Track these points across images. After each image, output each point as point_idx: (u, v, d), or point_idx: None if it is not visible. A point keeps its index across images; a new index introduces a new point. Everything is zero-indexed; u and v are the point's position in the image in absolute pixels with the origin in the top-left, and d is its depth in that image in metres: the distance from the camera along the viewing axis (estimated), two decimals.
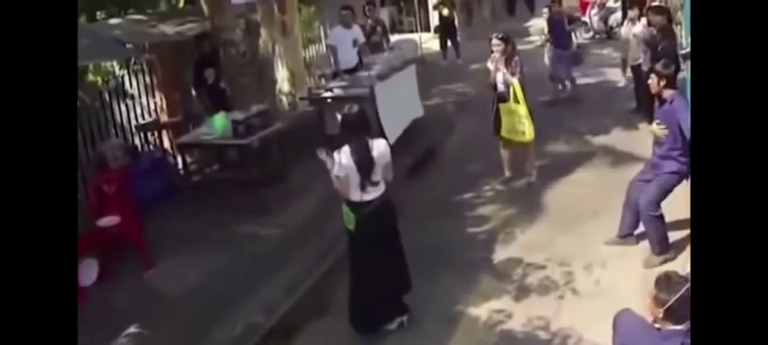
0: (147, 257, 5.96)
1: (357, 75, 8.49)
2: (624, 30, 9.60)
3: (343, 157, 4.39)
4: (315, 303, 5.30)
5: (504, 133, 7.02)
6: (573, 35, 10.35)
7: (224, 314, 5.13)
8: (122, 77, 9.33)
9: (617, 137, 8.19)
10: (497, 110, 6.99)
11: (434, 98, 10.75)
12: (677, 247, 5.27)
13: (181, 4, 10.89)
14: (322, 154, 4.51)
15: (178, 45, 8.54)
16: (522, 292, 5.17)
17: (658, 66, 5.14)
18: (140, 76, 9.12)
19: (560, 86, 9.97)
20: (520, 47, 7.69)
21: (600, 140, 8.20)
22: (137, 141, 8.81)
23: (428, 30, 15.82)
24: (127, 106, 8.86)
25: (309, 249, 6.01)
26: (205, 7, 8.13)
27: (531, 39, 13.59)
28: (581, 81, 10.44)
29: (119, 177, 6.32)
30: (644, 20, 8.48)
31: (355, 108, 4.62)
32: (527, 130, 6.77)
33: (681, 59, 6.67)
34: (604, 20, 14.19)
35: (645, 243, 5.37)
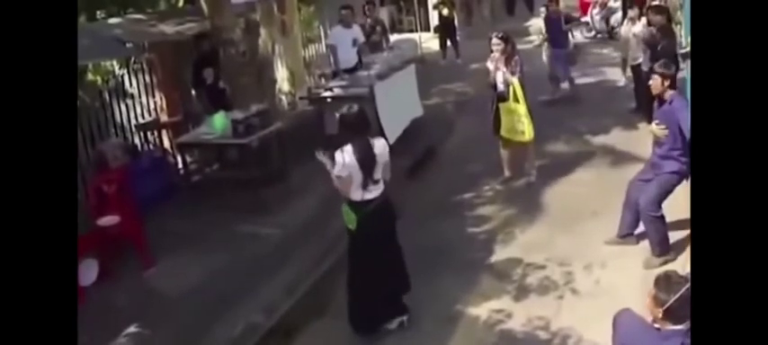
0: (147, 257, 5.96)
1: (357, 75, 8.49)
2: (624, 30, 9.60)
3: (346, 156, 4.38)
4: (315, 303, 5.30)
5: (503, 133, 7.02)
6: (570, 34, 10.33)
7: (224, 313, 5.13)
8: (122, 77, 9.32)
9: (617, 137, 8.19)
10: (497, 109, 6.99)
11: (434, 97, 10.75)
12: (677, 248, 5.27)
13: (180, 4, 10.88)
14: (320, 156, 4.51)
15: (178, 44, 8.53)
16: (522, 292, 5.18)
17: (658, 67, 5.13)
18: (140, 76, 9.12)
19: (558, 86, 9.97)
20: (519, 46, 7.69)
21: (600, 140, 8.20)
22: (136, 141, 8.80)
23: (428, 29, 15.81)
24: (127, 105, 8.85)
25: (309, 249, 6.01)
26: (205, 7, 8.12)
27: (531, 38, 13.58)
28: (581, 80, 10.44)
29: (119, 177, 6.32)
30: (644, 19, 8.48)
31: (355, 107, 4.62)
32: (527, 130, 6.77)
33: (680, 59, 6.68)
34: (606, 19, 14.19)
35: (645, 243, 5.37)
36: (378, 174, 4.53)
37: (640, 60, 8.40)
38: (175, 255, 6.07)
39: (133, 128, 8.81)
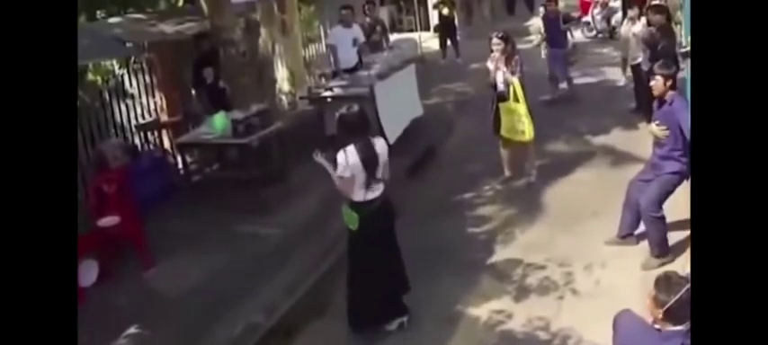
0: (147, 257, 5.95)
1: (357, 75, 8.49)
2: (624, 30, 9.60)
3: (350, 157, 4.37)
4: (315, 303, 5.30)
5: (503, 132, 7.02)
6: (569, 34, 10.33)
7: (224, 313, 5.13)
8: (122, 76, 9.32)
9: (617, 137, 8.19)
10: (497, 109, 6.99)
11: (434, 97, 10.75)
12: (676, 249, 5.27)
13: (180, 3, 10.89)
14: (318, 158, 4.50)
15: (178, 44, 8.54)
16: (522, 292, 5.17)
17: (659, 68, 5.12)
18: (140, 76, 9.12)
19: (557, 86, 9.96)
20: (519, 46, 7.69)
21: (600, 140, 8.20)
22: (137, 141, 8.80)
23: (428, 29, 15.82)
24: (127, 105, 8.85)
25: (309, 249, 6.01)
26: (205, 6, 8.12)
27: (531, 38, 13.58)
28: (581, 80, 10.45)
29: (119, 177, 6.31)
30: (644, 19, 8.48)
31: (355, 107, 4.61)
32: (527, 130, 6.77)
33: (680, 58, 6.67)
34: (607, 19, 14.19)
35: (645, 244, 5.36)
36: (380, 173, 4.54)
37: (640, 60, 8.41)
38: (175, 255, 6.07)
39: (133, 128, 8.80)
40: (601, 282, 5.15)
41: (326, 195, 6.41)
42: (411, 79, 9.06)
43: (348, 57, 8.89)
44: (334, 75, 8.88)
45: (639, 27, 8.59)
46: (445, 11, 13.30)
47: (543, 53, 10.20)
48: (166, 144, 8.77)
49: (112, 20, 8.81)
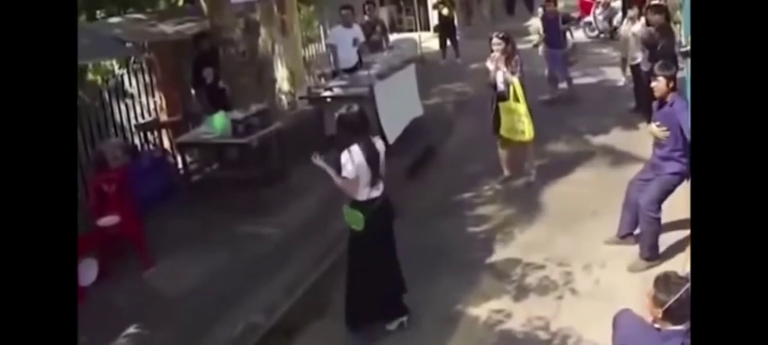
0: (147, 257, 5.95)
1: (357, 75, 8.49)
2: (623, 30, 9.60)
3: (356, 157, 4.37)
4: (315, 303, 5.30)
5: (503, 132, 7.02)
6: (569, 34, 10.32)
7: (224, 313, 5.13)
8: (122, 76, 9.33)
9: (617, 137, 8.19)
10: (497, 109, 6.99)
11: (434, 97, 10.76)
12: (671, 250, 5.28)
13: (180, 3, 10.88)
14: (317, 161, 4.51)
15: (178, 44, 8.54)
16: (522, 292, 5.17)
17: (659, 69, 5.11)
18: (140, 75, 9.12)
19: (556, 86, 9.96)
20: (519, 46, 7.69)
21: (599, 140, 8.20)
22: (136, 141, 8.80)
23: (427, 29, 15.82)
24: (126, 105, 8.85)
25: (309, 249, 6.01)
26: (204, 6, 8.12)
27: (531, 38, 13.59)
28: (581, 80, 10.45)
29: (119, 177, 6.31)
30: (643, 19, 8.48)
31: (355, 107, 4.61)
32: (527, 129, 6.77)
33: (680, 58, 6.68)
34: (609, 20, 14.19)
35: None
36: (382, 171, 4.56)
37: (639, 60, 8.42)
38: (175, 255, 6.07)
39: (133, 128, 8.81)
40: (600, 282, 5.15)
41: (326, 195, 6.42)
42: (411, 79, 9.06)
43: (348, 57, 8.89)
44: (334, 75, 8.88)
45: (639, 27, 8.59)
46: (445, 11, 13.30)
47: (541, 50, 10.19)
48: (166, 144, 8.78)
49: (112, 20, 8.80)
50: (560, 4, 10.86)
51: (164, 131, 8.88)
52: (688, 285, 2.62)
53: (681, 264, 4.78)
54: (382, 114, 7.85)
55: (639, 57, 8.43)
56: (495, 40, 6.84)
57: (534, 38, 12.75)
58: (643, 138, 6.52)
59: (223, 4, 7.91)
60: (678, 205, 5.25)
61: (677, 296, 2.69)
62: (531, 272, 5.40)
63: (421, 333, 4.78)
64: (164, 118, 8.88)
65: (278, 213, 6.71)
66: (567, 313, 4.82)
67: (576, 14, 13.66)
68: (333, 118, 4.76)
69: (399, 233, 4.88)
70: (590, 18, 14.40)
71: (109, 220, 5.85)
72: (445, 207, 6.88)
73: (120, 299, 5.54)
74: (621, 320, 3.12)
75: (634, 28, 8.76)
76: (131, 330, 5.05)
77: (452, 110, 10.25)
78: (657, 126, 5.15)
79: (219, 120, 6.98)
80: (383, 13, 14.82)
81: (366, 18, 10.45)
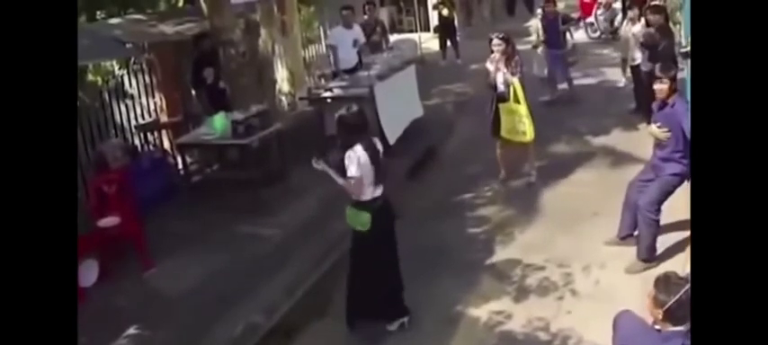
0: (147, 257, 5.95)
1: (357, 75, 8.49)
2: (623, 30, 9.60)
3: (361, 156, 4.39)
4: (315, 303, 5.30)
5: (503, 133, 7.01)
6: (569, 35, 10.31)
7: (224, 314, 5.13)
8: (122, 77, 9.33)
9: (617, 138, 8.19)
10: (496, 110, 6.99)
11: (434, 98, 10.75)
12: (670, 251, 5.28)
13: (180, 4, 10.88)
14: (318, 165, 4.51)
15: (178, 45, 8.54)
16: (522, 293, 5.17)
17: (661, 71, 5.10)
18: (140, 76, 9.12)
19: (555, 87, 9.96)
20: (519, 47, 7.69)
21: (600, 141, 8.20)
22: (137, 141, 8.80)
23: (428, 29, 15.82)
24: (127, 106, 8.85)
25: (309, 249, 6.01)
26: (204, 7, 8.13)
27: (531, 39, 13.58)
28: (581, 81, 10.45)
29: (119, 177, 6.31)
30: (643, 20, 8.48)
31: (354, 107, 4.62)
32: (528, 130, 6.77)
33: (680, 58, 6.67)
34: (610, 20, 14.19)
35: None
36: (384, 170, 4.58)
37: (639, 61, 8.42)
38: (175, 255, 6.07)
39: (133, 129, 8.80)
40: (600, 283, 5.15)
41: (326, 195, 6.43)
42: (411, 80, 9.06)
43: (348, 57, 8.90)
44: (334, 75, 8.88)
45: (639, 28, 8.60)
46: (445, 12, 13.29)
47: (540, 51, 10.17)
48: (166, 144, 8.78)
49: (112, 20, 8.80)
50: (560, 5, 10.86)
51: (164, 132, 8.88)
52: (688, 286, 2.62)
53: (680, 265, 4.78)
54: (382, 115, 7.85)
55: (639, 57, 8.43)
56: (495, 41, 6.84)
57: (534, 38, 12.77)
58: (643, 139, 6.52)
59: (223, 4, 7.91)
60: (678, 206, 5.25)
61: (677, 296, 2.69)
62: (532, 273, 5.40)
63: (421, 334, 4.77)
64: (164, 118, 8.88)
65: (278, 213, 6.71)
66: (567, 314, 4.82)
67: (575, 15, 13.65)
68: (333, 118, 4.76)
69: (399, 233, 4.88)
70: (592, 19, 14.40)
71: (109, 221, 5.85)
72: (445, 207, 6.88)
73: (121, 300, 5.54)
74: (622, 321, 3.12)
75: (634, 29, 8.76)
76: (131, 330, 5.05)
77: (452, 110, 10.24)
78: (658, 127, 5.14)
79: (220, 121, 6.98)
80: (383, 14, 14.82)
81: (365, 17, 10.44)
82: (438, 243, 6.05)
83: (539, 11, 11.03)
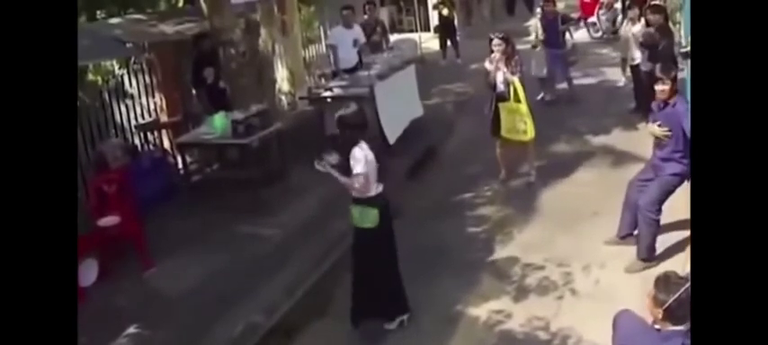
0: (147, 257, 5.95)
1: (357, 75, 8.50)
2: (623, 30, 9.60)
3: (368, 154, 4.42)
4: (315, 303, 5.30)
5: (504, 133, 7.02)
6: (569, 35, 10.31)
7: (224, 313, 5.13)
8: (122, 77, 9.32)
9: (617, 137, 8.20)
10: (496, 109, 6.99)
11: (434, 98, 10.75)
12: (670, 251, 5.28)
13: (180, 4, 10.88)
14: (320, 166, 4.51)
15: (178, 44, 8.54)
16: (522, 292, 5.18)
17: (661, 72, 5.10)
18: (140, 76, 9.12)
19: (554, 86, 9.95)
20: (519, 46, 7.69)
21: (600, 140, 8.21)
22: (137, 141, 8.80)
23: (428, 29, 15.81)
24: (127, 106, 8.85)
25: (309, 249, 6.01)
26: (204, 7, 8.12)
27: (531, 38, 13.58)
28: (581, 81, 10.45)
29: (119, 177, 6.31)
30: (643, 20, 8.48)
31: (353, 106, 4.64)
32: (528, 129, 6.78)
33: (680, 58, 6.67)
34: (612, 20, 14.18)
35: None
36: (383, 167, 4.61)
37: (638, 61, 8.41)
38: (175, 255, 6.07)
39: (133, 129, 8.80)
40: (600, 282, 5.15)
41: (326, 195, 6.43)
42: (411, 80, 9.06)
43: (348, 57, 8.90)
44: (334, 75, 8.88)
45: (638, 27, 8.60)
46: (445, 11, 13.29)
47: (534, 59, 10.15)
48: (166, 144, 8.77)
49: (112, 20, 8.80)
50: (560, 5, 10.85)
51: (164, 132, 8.88)
52: (688, 285, 2.62)
53: (680, 265, 4.78)
54: (382, 114, 7.85)
55: (639, 57, 8.43)
56: (495, 41, 6.84)
57: (533, 38, 12.76)
58: (643, 139, 6.52)
59: (223, 4, 7.91)
60: (678, 206, 5.25)
61: (677, 295, 2.69)
62: (531, 273, 5.41)
63: (421, 333, 4.78)
64: (164, 118, 8.87)
65: (278, 213, 6.71)
66: (566, 313, 4.82)
67: (575, 15, 13.64)
68: (333, 118, 4.77)
69: (399, 233, 4.88)
70: (594, 19, 14.41)
71: (109, 221, 5.85)
72: (445, 207, 6.88)
73: (121, 299, 5.54)
74: (621, 320, 3.12)
75: (634, 29, 8.76)
76: (131, 330, 5.06)
77: (452, 110, 10.24)
78: (658, 126, 5.14)
79: (220, 121, 6.98)
80: (383, 14, 14.81)
81: (366, 18, 10.44)
82: (438, 242, 6.05)
83: (538, 11, 11.02)
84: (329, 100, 8.11)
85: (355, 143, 4.43)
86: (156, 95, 9.01)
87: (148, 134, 9.01)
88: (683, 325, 2.69)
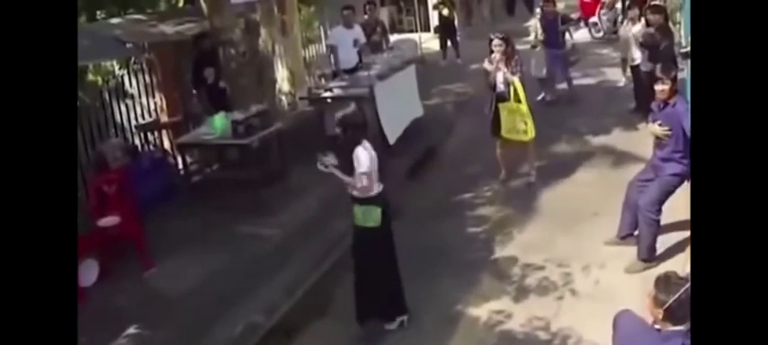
0: (147, 257, 5.95)
1: (357, 75, 8.49)
2: (623, 30, 9.59)
3: (372, 152, 4.46)
4: (315, 303, 5.30)
5: (504, 133, 7.01)
6: (568, 35, 10.30)
7: (224, 314, 5.13)
8: (122, 77, 9.32)
9: (617, 137, 8.19)
10: (496, 110, 6.99)
11: (434, 98, 10.75)
12: (670, 251, 5.27)
13: (180, 4, 10.88)
14: (323, 166, 4.52)
15: (178, 45, 8.54)
16: (522, 293, 5.18)
17: (662, 72, 5.10)
18: (140, 76, 9.12)
19: (554, 87, 9.95)
20: (519, 47, 7.69)
21: (600, 140, 8.20)
22: (137, 141, 8.80)
23: (428, 29, 15.80)
24: (127, 106, 8.85)
25: (309, 249, 6.01)
26: (204, 7, 8.12)
27: (530, 38, 13.58)
28: (582, 81, 10.44)
29: (119, 177, 6.32)
30: (643, 20, 8.48)
31: (353, 106, 4.67)
32: (529, 129, 6.78)
33: (680, 59, 6.67)
34: (613, 20, 14.18)
35: None
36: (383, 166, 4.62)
37: (638, 61, 8.41)
38: (175, 255, 6.07)
39: (133, 129, 8.80)
40: (600, 282, 5.15)
41: (326, 195, 6.43)
42: (411, 80, 9.06)
43: (348, 57, 8.90)
44: (335, 75, 8.88)
45: (638, 28, 8.59)
46: (445, 11, 13.28)
47: (533, 59, 10.15)
48: (166, 144, 8.78)
49: (113, 20, 8.80)
50: (561, 5, 10.83)
51: (164, 132, 8.88)
52: (688, 285, 2.62)
53: (680, 265, 4.78)
54: (382, 115, 7.85)
55: (639, 57, 8.43)
56: (495, 42, 6.83)
57: (533, 38, 12.75)
58: (643, 139, 6.52)
59: (223, 4, 7.91)
60: (678, 206, 5.25)
61: (677, 296, 2.69)
62: (531, 273, 5.41)
63: (421, 334, 4.78)
64: (164, 118, 8.87)
65: (278, 213, 6.71)
66: (566, 313, 4.83)
67: (575, 15, 13.64)
68: (333, 118, 4.79)
69: (399, 233, 4.89)
70: (595, 19, 14.40)
71: (109, 221, 5.85)
72: (445, 207, 6.88)
73: (121, 300, 5.54)
74: (621, 320, 3.12)
75: (634, 29, 8.76)
76: (131, 330, 5.06)
77: (452, 110, 10.24)
78: (659, 125, 5.14)
79: (220, 121, 6.98)
80: (383, 14, 14.80)
81: (366, 18, 10.44)
82: (438, 242, 6.05)
83: (538, 11, 11.02)
84: (329, 100, 8.11)
85: (358, 143, 4.45)
86: (156, 95, 9.01)
87: (148, 134, 9.00)
88: (684, 325, 2.69)
